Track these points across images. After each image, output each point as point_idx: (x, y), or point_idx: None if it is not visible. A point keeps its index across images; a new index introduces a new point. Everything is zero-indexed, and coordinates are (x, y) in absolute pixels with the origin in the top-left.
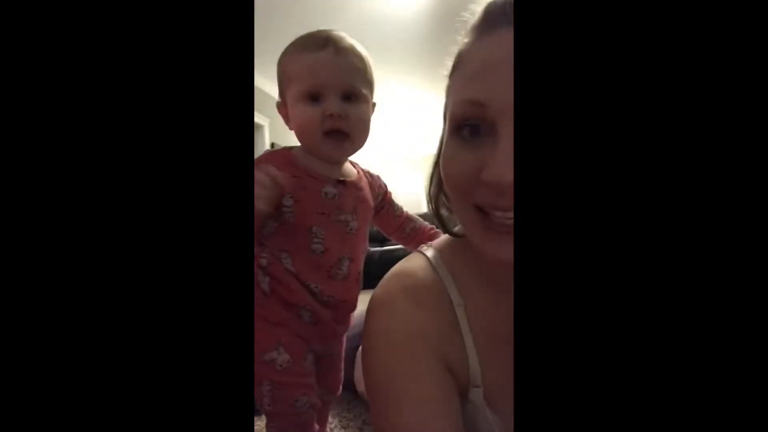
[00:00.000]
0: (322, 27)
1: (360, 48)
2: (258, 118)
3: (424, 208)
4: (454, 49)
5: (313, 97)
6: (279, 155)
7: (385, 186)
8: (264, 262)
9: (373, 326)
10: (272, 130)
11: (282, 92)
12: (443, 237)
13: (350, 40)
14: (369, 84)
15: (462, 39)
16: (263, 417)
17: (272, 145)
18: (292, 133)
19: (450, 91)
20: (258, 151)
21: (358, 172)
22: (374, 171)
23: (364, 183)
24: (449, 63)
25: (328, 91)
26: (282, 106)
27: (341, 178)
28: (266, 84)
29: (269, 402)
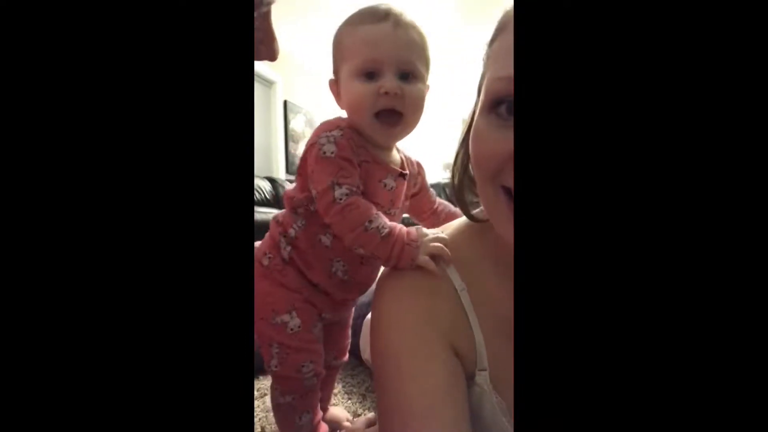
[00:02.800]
0: None
1: (419, 25)
2: (271, 74)
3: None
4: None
5: (369, 74)
6: (347, 138)
7: (424, 173)
8: (293, 232)
9: (382, 310)
10: (285, 87)
11: (336, 69)
12: (455, 221)
13: (410, 16)
14: (426, 63)
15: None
16: (269, 376)
17: (285, 103)
18: (305, 89)
19: (489, 62)
20: (270, 110)
21: (402, 159)
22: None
23: (411, 174)
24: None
25: (384, 67)
26: (334, 84)
27: (403, 171)
28: (282, 38)
29: (276, 364)
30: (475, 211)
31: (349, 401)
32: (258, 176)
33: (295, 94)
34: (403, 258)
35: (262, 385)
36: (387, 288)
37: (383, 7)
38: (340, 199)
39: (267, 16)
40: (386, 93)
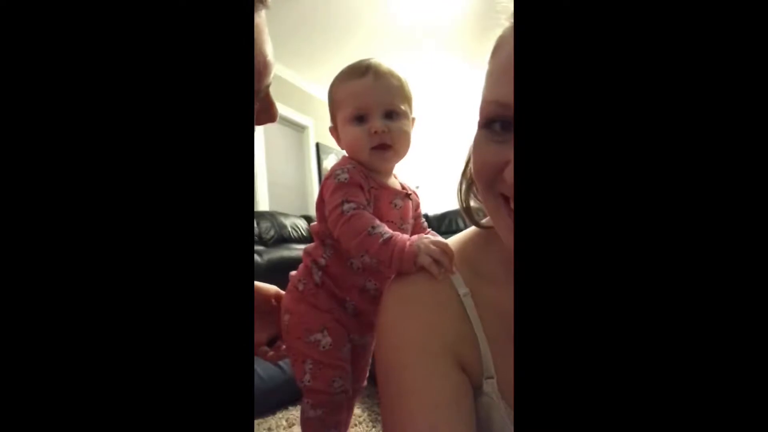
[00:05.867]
0: (361, 17)
1: (396, 71)
2: (303, 119)
3: None
4: (498, 31)
5: (359, 119)
6: (357, 169)
7: (419, 201)
8: (323, 261)
9: (385, 323)
10: (317, 131)
11: (333, 117)
12: (465, 231)
13: (387, 65)
14: (408, 100)
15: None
16: (299, 407)
17: (317, 145)
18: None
19: (487, 79)
20: (303, 152)
21: (402, 185)
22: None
23: (412, 196)
24: (491, 45)
25: (371, 111)
26: (334, 130)
27: (408, 192)
28: (311, 86)
29: (310, 378)
30: (483, 220)
31: (374, 429)
32: (294, 215)
33: (327, 136)
34: (404, 260)
35: (291, 415)
36: (390, 300)
37: (363, 63)
38: (347, 212)
39: (267, 90)
40: (375, 132)
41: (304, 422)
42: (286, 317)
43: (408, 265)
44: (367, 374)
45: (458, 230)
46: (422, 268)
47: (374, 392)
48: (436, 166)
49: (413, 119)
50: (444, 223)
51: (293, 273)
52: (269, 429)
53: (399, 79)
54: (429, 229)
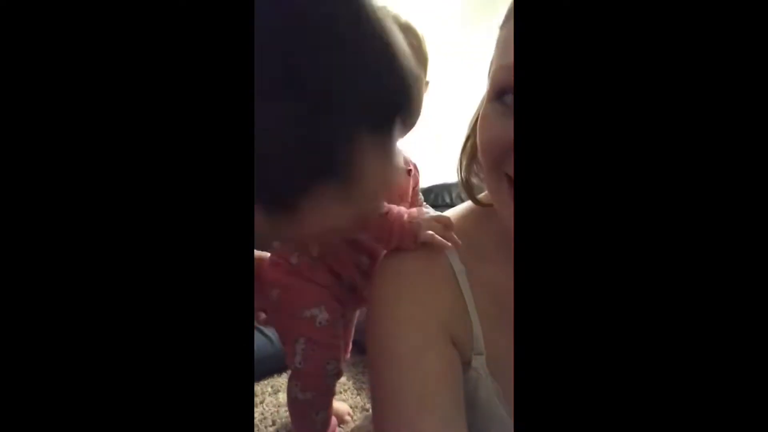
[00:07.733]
0: None
1: (415, 26)
2: None
3: None
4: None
5: None
6: None
7: (419, 177)
8: None
9: (379, 296)
10: None
11: None
12: (459, 206)
13: (405, 17)
14: (424, 61)
15: None
16: (283, 374)
17: None
18: None
19: (497, 48)
20: None
21: (405, 159)
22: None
23: (413, 172)
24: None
25: None
26: None
27: (408, 168)
28: None
29: (301, 360)
30: (480, 195)
31: (358, 397)
32: None
33: None
34: (405, 237)
35: (276, 382)
36: (384, 275)
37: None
38: None
39: None
40: None
41: (292, 403)
42: (274, 292)
43: (408, 243)
44: (351, 347)
45: (444, 205)
46: (422, 244)
47: (359, 360)
48: (423, 137)
49: (427, 83)
50: (430, 198)
51: (277, 244)
52: (254, 395)
53: (417, 37)
54: (424, 203)
